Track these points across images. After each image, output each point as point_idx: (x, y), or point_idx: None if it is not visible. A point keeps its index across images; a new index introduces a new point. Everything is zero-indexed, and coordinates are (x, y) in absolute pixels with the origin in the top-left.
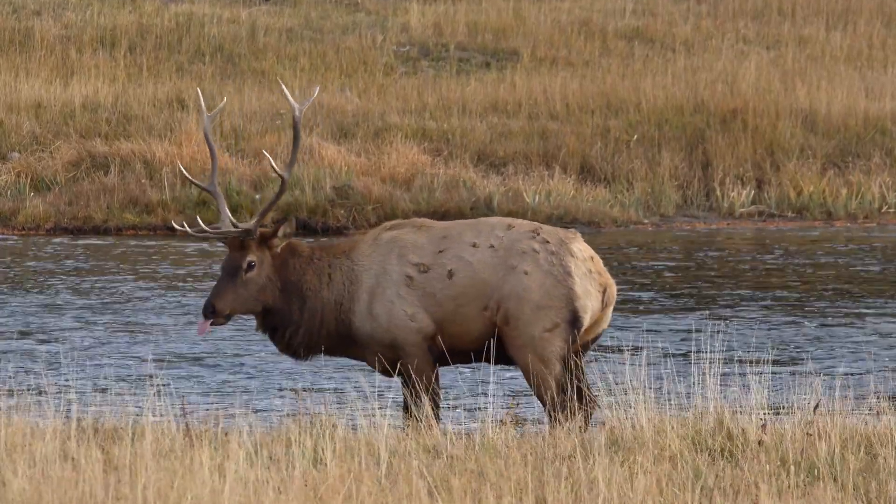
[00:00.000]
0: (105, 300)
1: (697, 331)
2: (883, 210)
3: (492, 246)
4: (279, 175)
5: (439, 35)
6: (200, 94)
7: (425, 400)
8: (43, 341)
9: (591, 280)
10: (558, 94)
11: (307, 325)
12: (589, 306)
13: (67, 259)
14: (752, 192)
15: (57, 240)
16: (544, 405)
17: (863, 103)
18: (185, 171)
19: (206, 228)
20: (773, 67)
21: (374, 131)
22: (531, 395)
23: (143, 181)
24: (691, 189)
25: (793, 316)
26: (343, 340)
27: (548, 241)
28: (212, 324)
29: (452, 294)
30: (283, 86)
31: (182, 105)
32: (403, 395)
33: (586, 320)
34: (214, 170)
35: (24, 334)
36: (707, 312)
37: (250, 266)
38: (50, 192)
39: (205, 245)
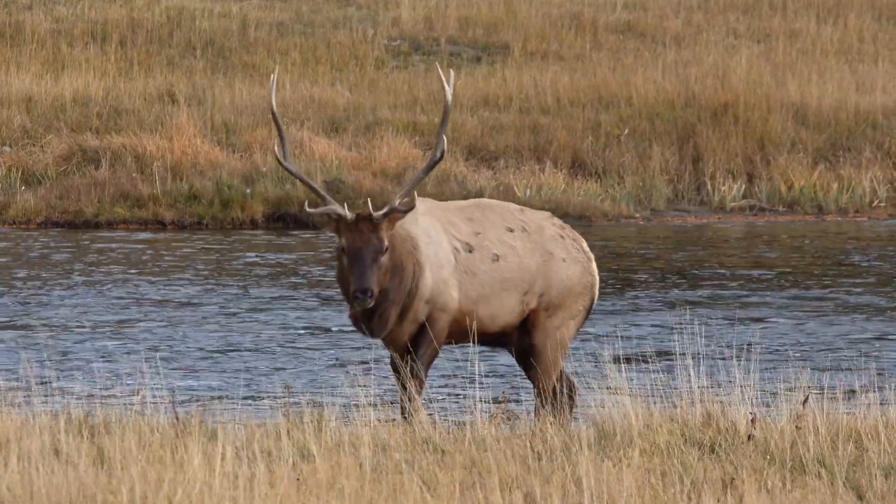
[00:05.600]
0: (95, 294)
1: (688, 325)
2: (874, 204)
3: (525, 230)
4: (439, 148)
5: (430, 29)
6: (274, 77)
7: (421, 374)
8: (34, 336)
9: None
10: (549, 89)
11: (399, 299)
12: (597, 293)
13: (58, 253)
14: (743, 186)
15: (48, 233)
16: (544, 392)
17: (853, 97)
18: (277, 154)
19: (374, 214)
20: (763, 61)
21: (365, 125)
22: (518, 387)
23: (134, 175)
24: (682, 183)
25: (783, 309)
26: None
27: (564, 227)
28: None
29: (499, 277)
30: (440, 69)
31: (173, 99)
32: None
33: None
34: (286, 150)
35: (15, 329)
36: (698, 306)
37: (386, 248)
38: (41, 186)
39: (199, 242)
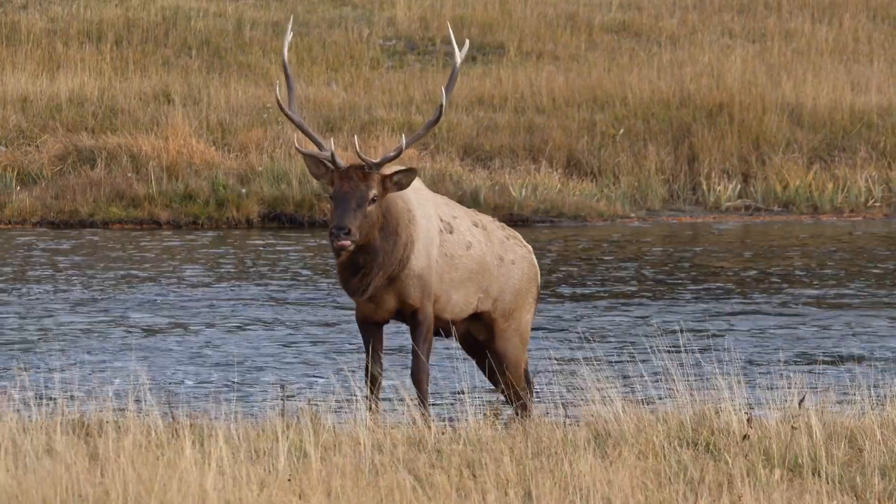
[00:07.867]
0: (90, 294)
1: (683, 324)
2: (869, 204)
3: (485, 228)
4: (442, 102)
5: (425, 29)
6: (290, 23)
7: (425, 364)
8: (29, 335)
9: None
10: (544, 88)
11: (388, 265)
12: (540, 279)
13: (53, 253)
14: (739, 185)
15: (43, 233)
16: (518, 388)
17: (848, 97)
18: (280, 101)
19: (365, 159)
20: (758, 61)
21: (361, 125)
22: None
23: (129, 175)
24: (677, 183)
25: (779, 308)
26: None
27: (505, 228)
28: (342, 249)
29: (468, 266)
30: (450, 29)
31: (168, 99)
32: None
33: None
34: (293, 99)
35: (10, 329)
36: (692, 306)
37: (373, 199)
38: (36, 185)
39: (193, 240)
